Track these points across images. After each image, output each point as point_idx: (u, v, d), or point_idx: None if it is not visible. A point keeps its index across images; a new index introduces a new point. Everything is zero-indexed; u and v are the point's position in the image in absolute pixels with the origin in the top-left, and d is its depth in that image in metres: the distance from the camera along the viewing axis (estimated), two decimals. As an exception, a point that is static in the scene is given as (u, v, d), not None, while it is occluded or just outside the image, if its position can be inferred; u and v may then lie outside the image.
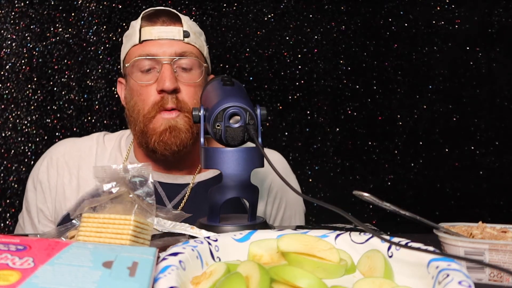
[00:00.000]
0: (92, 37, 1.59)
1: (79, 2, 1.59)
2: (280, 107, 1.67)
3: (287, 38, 1.67)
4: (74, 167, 1.15)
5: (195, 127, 1.09)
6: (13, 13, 1.57)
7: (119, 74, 1.62)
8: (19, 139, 1.56)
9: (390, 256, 0.59)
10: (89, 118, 1.59)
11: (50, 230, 0.78)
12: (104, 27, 1.60)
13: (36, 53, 1.57)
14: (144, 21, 1.11)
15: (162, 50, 1.08)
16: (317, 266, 0.56)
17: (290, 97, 1.67)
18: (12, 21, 1.57)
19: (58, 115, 1.58)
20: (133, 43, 1.11)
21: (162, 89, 1.06)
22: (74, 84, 1.59)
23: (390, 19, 1.68)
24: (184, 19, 1.13)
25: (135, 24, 1.12)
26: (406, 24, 1.69)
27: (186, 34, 1.10)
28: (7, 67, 1.56)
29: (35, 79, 1.57)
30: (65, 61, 1.59)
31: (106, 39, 1.60)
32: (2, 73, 1.56)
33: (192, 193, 1.14)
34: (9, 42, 1.56)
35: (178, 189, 1.14)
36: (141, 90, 1.09)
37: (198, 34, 1.15)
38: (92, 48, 1.60)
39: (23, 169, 1.57)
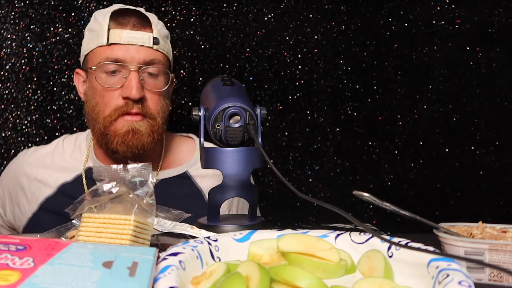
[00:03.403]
0: (92, 37, 1.59)
1: (79, 2, 1.59)
2: (280, 107, 1.67)
3: (287, 38, 1.67)
4: (33, 173, 1.18)
5: (156, 132, 1.10)
6: (13, 13, 1.57)
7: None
8: (19, 139, 1.56)
9: (390, 256, 0.59)
10: (89, 118, 1.60)
11: (50, 230, 0.78)
12: (104, 27, 1.60)
13: (36, 53, 1.57)
14: (113, 21, 1.08)
15: (131, 55, 1.07)
16: (317, 266, 0.57)
17: (290, 97, 1.67)
18: (12, 21, 1.57)
19: (58, 115, 1.58)
20: (100, 43, 1.08)
21: (128, 97, 1.06)
22: (74, 84, 1.59)
23: (390, 19, 1.68)
24: (154, 22, 1.11)
25: (103, 21, 1.09)
26: (406, 24, 1.69)
27: (155, 41, 1.09)
28: (7, 67, 1.56)
29: (35, 79, 1.57)
30: (65, 61, 1.59)
31: (106, 39, 1.60)
32: (2, 73, 1.56)
33: (155, 190, 1.15)
34: (9, 42, 1.56)
35: None
36: (104, 92, 1.08)
37: (166, 38, 1.14)
38: (92, 48, 1.60)
39: None
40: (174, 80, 1.21)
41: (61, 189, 1.15)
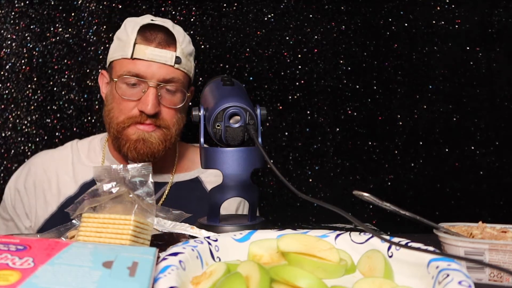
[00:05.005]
0: (92, 37, 1.59)
1: (79, 2, 1.59)
2: (280, 107, 1.67)
3: (287, 38, 1.67)
4: (53, 175, 1.20)
5: (169, 141, 1.14)
6: (13, 13, 1.57)
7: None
8: (19, 139, 1.56)
9: (390, 256, 0.59)
10: (89, 118, 1.59)
11: (50, 230, 0.78)
12: (104, 27, 1.60)
13: (36, 53, 1.57)
14: (140, 36, 1.12)
15: (152, 72, 1.10)
16: (317, 266, 0.56)
17: (290, 97, 1.67)
18: (12, 21, 1.57)
19: (58, 115, 1.58)
20: (125, 55, 1.12)
21: (143, 111, 1.10)
22: (74, 84, 1.59)
23: (390, 19, 1.68)
24: (179, 40, 1.14)
25: (131, 34, 1.13)
26: (406, 24, 1.69)
27: (177, 60, 1.12)
28: (7, 67, 1.56)
29: (35, 79, 1.57)
30: (65, 61, 1.59)
31: (106, 39, 1.60)
32: (2, 73, 1.56)
33: (170, 192, 1.19)
34: (9, 42, 1.56)
35: (156, 187, 1.18)
36: (121, 101, 1.13)
37: (189, 55, 1.18)
38: (92, 48, 1.60)
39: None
40: (192, 94, 1.25)
41: (82, 189, 1.19)
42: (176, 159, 1.26)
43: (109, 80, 1.18)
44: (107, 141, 1.24)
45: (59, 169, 1.21)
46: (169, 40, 1.13)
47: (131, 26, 1.14)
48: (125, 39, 1.13)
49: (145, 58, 1.10)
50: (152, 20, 1.18)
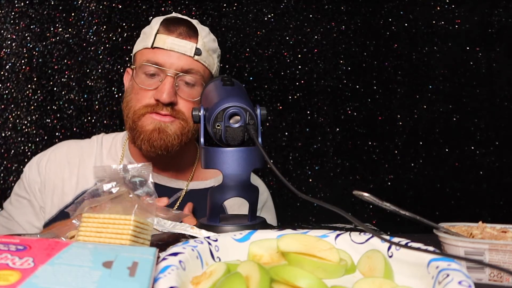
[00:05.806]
0: (92, 37, 1.59)
1: (79, 2, 1.59)
2: (280, 107, 1.67)
3: (287, 38, 1.67)
4: (75, 166, 1.19)
5: (185, 135, 1.12)
6: (13, 13, 1.57)
7: (119, 74, 1.62)
8: (19, 139, 1.56)
9: (390, 256, 0.59)
10: (89, 118, 1.59)
11: (50, 230, 0.78)
12: (104, 27, 1.60)
13: (36, 53, 1.57)
14: (162, 26, 1.13)
15: (170, 61, 1.11)
16: (317, 266, 0.56)
17: (290, 97, 1.67)
18: (12, 21, 1.57)
19: (58, 115, 1.58)
20: (146, 45, 1.13)
21: (159, 99, 1.09)
22: (74, 84, 1.59)
23: (390, 19, 1.68)
24: (202, 34, 1.15)
25: (154, 25, 1.14)
26: (406, 24, 1.69)
27: (197, 52, 1.12)
28: (7, 67, 1.56)
29: (35, 79, 1.57)
30: (65, 61, 1.59)
31: (106, 39, 1.60)
32: (2, 73, 1.56)
33: (184, 199, 1.17)
34: (9, 42, 1.56)
35: (171, 193, 1.17)
36: (139, 91, 1.12)
37: (212, 51, 1.18)
38: (92, 48, 1.60)
39: (23, 169, 1.57)
40: None
41: None
42: (195, 164, 1.24)
43: (131, 74, 1.19)
44: (128, 139, 1.23)
45: (81, 162, 1.20)
46: (191, 32, 1.13)
47: (156, 20, 1.16)
48: (148, 31, 1.14)
49: (165, 47, 1.10)
50: (177, 15, 1.19)
